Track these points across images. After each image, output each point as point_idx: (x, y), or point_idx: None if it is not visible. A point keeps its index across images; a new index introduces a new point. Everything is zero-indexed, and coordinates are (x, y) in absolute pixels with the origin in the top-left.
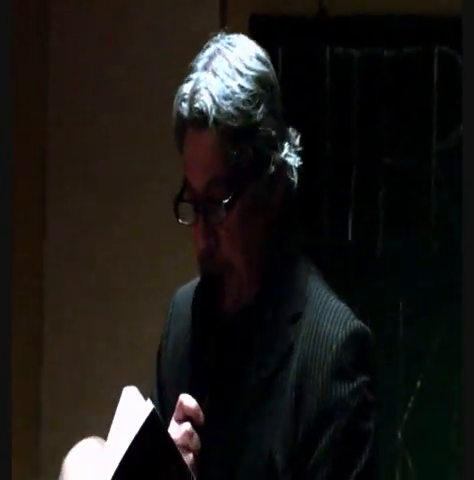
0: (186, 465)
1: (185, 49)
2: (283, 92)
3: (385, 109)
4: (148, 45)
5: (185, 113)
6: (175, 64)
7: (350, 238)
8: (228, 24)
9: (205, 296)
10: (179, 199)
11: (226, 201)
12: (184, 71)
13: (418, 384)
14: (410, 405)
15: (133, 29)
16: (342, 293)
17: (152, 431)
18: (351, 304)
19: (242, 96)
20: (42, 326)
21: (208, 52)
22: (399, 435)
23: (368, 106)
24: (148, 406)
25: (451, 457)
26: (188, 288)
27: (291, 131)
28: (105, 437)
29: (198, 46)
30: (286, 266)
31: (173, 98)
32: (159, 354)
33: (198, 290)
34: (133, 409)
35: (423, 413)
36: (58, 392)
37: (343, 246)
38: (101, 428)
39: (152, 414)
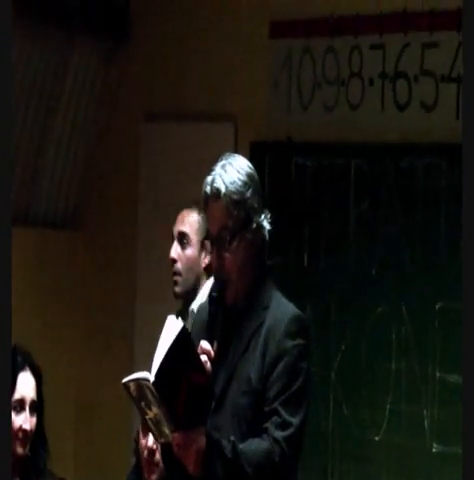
0: (205, 369)
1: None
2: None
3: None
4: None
5: (208, 191)
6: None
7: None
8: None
9: (216, 292)
10: (205, 238)
11: (228, 238)
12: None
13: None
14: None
15: None
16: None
17: (183, 341)
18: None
19: (240, 183)
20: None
21: (220, 163)
22: (332, 376)
23: None
24: (179, 324)
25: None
26: (204, 303)
27: (267, 212)
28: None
29: None
30: (261, 283)
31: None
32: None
33: (212, 288)
34: (171, 330)
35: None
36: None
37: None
38: None
39: (182, 328)
